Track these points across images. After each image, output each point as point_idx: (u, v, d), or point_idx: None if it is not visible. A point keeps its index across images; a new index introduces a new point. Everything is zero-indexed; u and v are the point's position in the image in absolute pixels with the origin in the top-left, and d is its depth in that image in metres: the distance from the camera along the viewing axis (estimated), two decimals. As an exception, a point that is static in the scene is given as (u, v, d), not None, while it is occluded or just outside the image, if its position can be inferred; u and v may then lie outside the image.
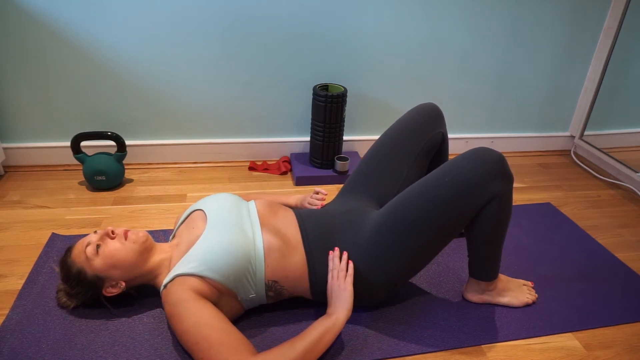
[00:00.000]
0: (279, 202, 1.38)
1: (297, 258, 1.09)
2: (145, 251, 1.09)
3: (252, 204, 1.19)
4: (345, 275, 1.06)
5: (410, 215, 1.04)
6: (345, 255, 1.09)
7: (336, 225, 1.14)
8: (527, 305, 1.23)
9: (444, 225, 1.04)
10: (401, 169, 1.26)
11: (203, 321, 0.94)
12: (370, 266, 1.08)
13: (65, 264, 1.07)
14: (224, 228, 1.06)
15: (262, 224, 1.11)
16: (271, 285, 1.07)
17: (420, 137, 1.27)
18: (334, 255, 1.09)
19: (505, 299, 1.22)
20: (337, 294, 1.04)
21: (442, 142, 1.32)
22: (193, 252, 1.02)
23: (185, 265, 1.00)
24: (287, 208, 1.22)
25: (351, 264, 1.08)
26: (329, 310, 1.04)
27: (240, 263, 1.02)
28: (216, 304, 1.02)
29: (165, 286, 1.02)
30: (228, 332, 0.94)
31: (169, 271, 1.07)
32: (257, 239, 1.07)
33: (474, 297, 1.23)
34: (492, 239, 1.08)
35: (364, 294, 1.11)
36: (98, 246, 1.05)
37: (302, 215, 1.18)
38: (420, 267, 1.11)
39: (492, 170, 1.00)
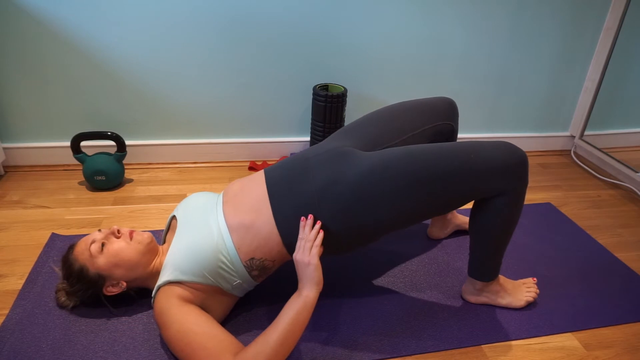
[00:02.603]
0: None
1: (264, 216, 1.03)
2: (149, 252, 1.09)
3: (223, 191, 1.15)
4: (311, 247, 0.99)
5: (419, 170, 0.99)
6: (318, 224, 1.01)
7: (312, 163, 1.06)
8: (529, 303, 1.23)
9: (445, 194, 1.00)
10: (402, 132, 1.20)
11: (185, 328, 0.94)
12: (350, 208, 1.01)
13: (67, 261, 1.07)
14: (188, 229, 1.05)
15: (226, 204, 1.07)
16: (250, 265, 1.04)
17: (431, 117, 1.24)
18: (305, 223, 1.01)
19: (505, 301, 1.22)
20: (302, 269, 0.98)
21: (450, 136, 1.30)
22: (166, 259, 1.03)
23: (163, 274, 1.01)
24: (260, 171, 1.15)
25: (321, 234, 1.00)
26: (299, 286, 0.99)
27: (210, 258, 1.00)
28: (204, 304, 1.03)
29: (153, 297, 1.03)
30: (209, 336, 0.93)
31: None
32: (221, 226, 1.04)
33: (471, 297, 1.22)
34: (496, 236, 1.07)
35: (332, 240, 1.04)
36: (103, 244, 1.05)
37: (273, 166, 1.12)
38: (398, 226, 1.04)
39: (514, 164, 0.99)
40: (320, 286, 0.98)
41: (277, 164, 1.13)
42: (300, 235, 1.01)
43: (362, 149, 1.14)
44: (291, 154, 1.97)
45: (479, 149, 1.01)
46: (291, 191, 1.04)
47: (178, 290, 0.99)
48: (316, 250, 0.99)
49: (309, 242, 1.00)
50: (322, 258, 1.25)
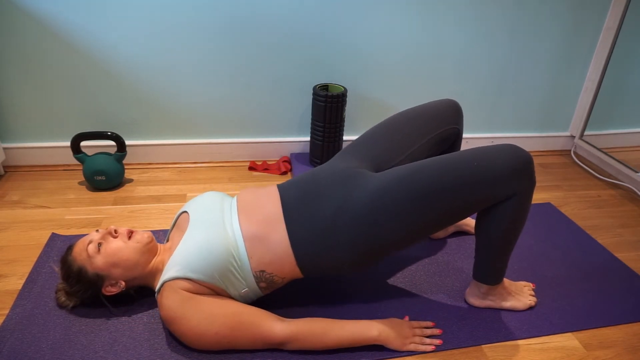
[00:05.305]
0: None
1: (279, 234, 1.04)
2: (148, 252, 1.09)
3: (236, 197, 1.16)
4: (422, 342, 1.09)
5: (426, 188, 0.99)
6: (438, 342, 1.10)
7: (324, 185, 1.07)
8: (531, 308, 1.23)
9: (455, 207, 1.00)
10: (408, 143, 1.20)
11: (215, 311, 0.97)
12: (361, 230, 1.01)
13: (66, 262, 1.07)
14: (202, 227, 1.04)
15: (241, 213, 1.08)
16: (260, 276, 1.05)
17: (437, 123, 1.24)
18: (431, 327, 1.14)
19: (508, 303, 1.21)
20: (399, 335, 1.07)
21: (456, 139, 1.30)
22: (175, 255, 1.02)
23: (170, 270, 1.01)
24: (272, 185, 1.16)
25: (434, 347, 1.09)
26: (379, 326, 1.06)
27: (222, 260, 1.00)
28: None
29: (158, 292, 1.02)
30: (238, 312, 0.99)
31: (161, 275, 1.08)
32: (236, 232, 1.04)
33: (476, 301, 1.22)
34: (503, 238, 1.06)
35: (348, 262, 1.05)
36: (100, 244, 1.05)
37: (285, 184, 1.13)
38: (412, 242, 1.05)
39: (520, 167, 0.99)
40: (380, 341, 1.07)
41: (291, 182, 1.14)
42: (417, 328, 1.12)
43: (370, 167, 1.16)
44: (291, 154, 1.98)
45: (482, 156, 1.00)
46: (306, 214, 1.05)
47: (185, 284, 0.99)
48: (423, 348, 1.08)
49: (424, 335, 1.11)
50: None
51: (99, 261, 1.04)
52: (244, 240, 1.03)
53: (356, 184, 1.05)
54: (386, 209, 1.00)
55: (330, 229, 1.03)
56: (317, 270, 1.08)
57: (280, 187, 1.13)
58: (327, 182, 1.08)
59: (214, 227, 1.04)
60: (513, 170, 0.98)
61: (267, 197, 1.11)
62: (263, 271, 1.04)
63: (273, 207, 1.08)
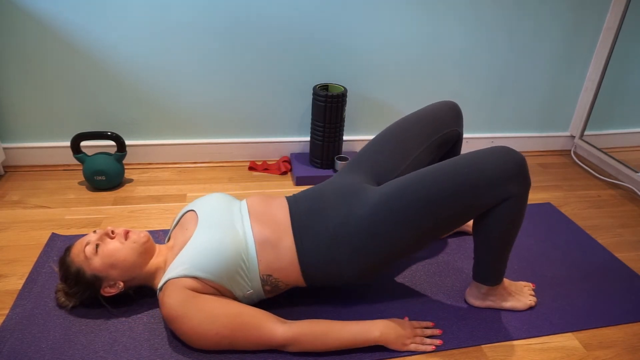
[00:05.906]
0: None
1: (287, 243, 1.07)
2: (145, 252, 1.09)
3: (244, 200, 1.17)
4: (423, 342, 1.08)
5: (423, 198, 1.01)
6: (439, 342, 1.10)
7: (329, 201, 1.11)
8: (531, 308, 1.23)
9: (452, 215, 1.02)
10: (410, 150, 1.22)
11: (216, 312, 0.97)
12: (363, 243, 1.04)
13: (64, 263, 1.07)
14: (213, 227, 1.05)
15: (252, 217, 1.10)
16: (266, 280, 1.06)
17: (437, 127, 1.25)
18: (431, 327, 1.14)
19: (508, 304, 1.21)
20: (400, 335, 1.07)
21: (457, 142, 1.31)
22: (183, 254, 1.02)
23: (176, 267, 1.00)
24: (281, 196, 1.19)
25: (434, 347, 1.09)
26: (380, 327, 1.06)
27: (231, 261, 1.01)
28: None
29: (160, 290, 1.02)
30: (240, 313, 0.99)
31: (164, 274, 1.08)
32: (247, 235, 1.06)
33: (476, 302, 1.22)
34: (501, 240, 1.07)
35: (352, 273, 1.08)
36: (97, 245, 1.05)
37: (294, 197, 1.16)
38: (410, 253, 1.08)
39: (513, 170, 0.99)
40: (381, 340, 1.06)
41: (299, 196, 1.16)
42: (417, 328, 1.12)
43: (373, 180, 1.19)
44: (291, 154, 1.98)
45: (476, 161, 1.01)
46: (312, 227, 1.08)
47: (189, 283, 0.99)
48: (423, 348, 1.08)
49: (424, 336, 1.11)
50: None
51: (97, 262, 1.04)
52: (255, 243, 1.05)
53: (357, 199, 1.08)
54: (385, 221, 1.03)
55: (333, 243, 1.06)
56: (320, 280, 1.10)
57: (289, 199, 1.16)
58: (330, 198, 1.11)
59: (224, 227, 1.05)
60: (507, 174, 0.99)
61: (277, 207, 1.13)
62: (270, 275, 1.06)
63: (283, 217, 1.10)
